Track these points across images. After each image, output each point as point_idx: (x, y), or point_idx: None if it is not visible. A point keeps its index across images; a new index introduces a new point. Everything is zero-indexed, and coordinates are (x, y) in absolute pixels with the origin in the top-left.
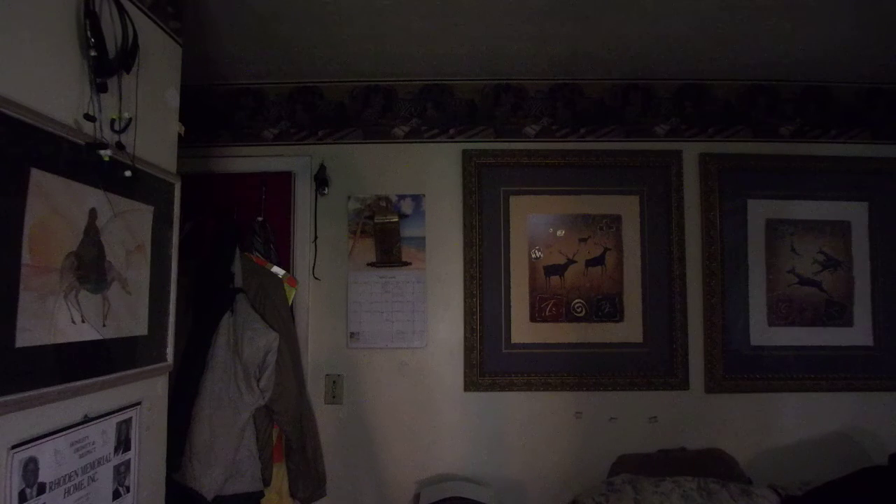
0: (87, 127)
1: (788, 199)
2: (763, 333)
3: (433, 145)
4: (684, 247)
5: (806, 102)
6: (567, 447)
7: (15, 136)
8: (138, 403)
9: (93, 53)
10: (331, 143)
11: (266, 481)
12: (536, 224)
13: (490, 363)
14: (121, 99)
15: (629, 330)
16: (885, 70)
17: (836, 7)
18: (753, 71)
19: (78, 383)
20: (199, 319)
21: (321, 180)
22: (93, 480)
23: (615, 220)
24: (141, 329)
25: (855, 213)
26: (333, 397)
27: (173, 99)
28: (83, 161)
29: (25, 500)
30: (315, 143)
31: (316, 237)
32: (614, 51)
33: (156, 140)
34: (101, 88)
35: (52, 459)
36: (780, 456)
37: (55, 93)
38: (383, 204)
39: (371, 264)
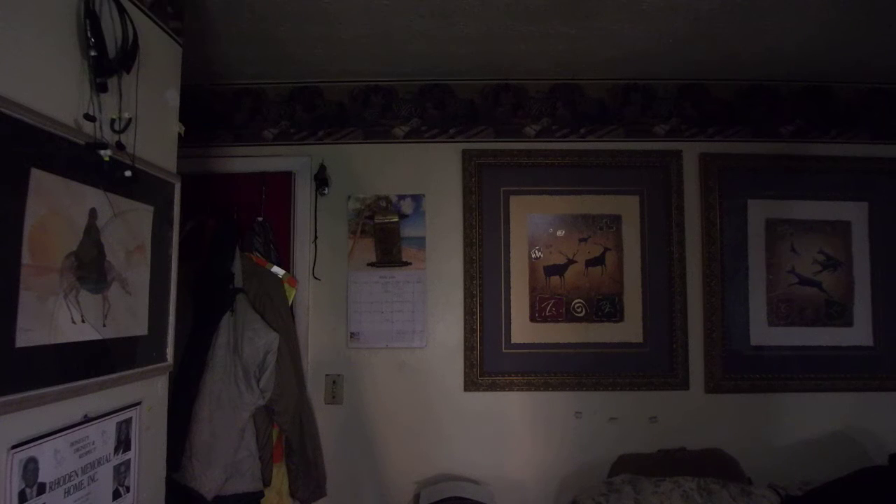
0: (87, 127)
1: (788, 199)
2: (763, 333)
3: (433, 145)
4: (684, 247)
5: (806, 102)
6: (567, 447)
7: (15, 136)
8: (138, 403)
9: (93, 53)
10: (331, 143)
11: (266, 481)
12: (536, 224)
13: (490, 363)
14: (121, 99)
15: (629, 330)
16: (885, 70)
17: (837, 7)
18: (753, 71)
19: (78, 383)
20: (199, 319)
21: (321, 180)
22: (93, 480)
23: (615, 220)
24: (141, 329)
25: (855, 213)
26: (333, 397)
27: (173, 99)
28: (83, 161)
29: (25, 500)
30: (315, 143)
31: (316, 237)
32: (614, 51)
33: (156, 140)
34: (101, 88)
35: (52, 459)
36: (780, 456)
37: (55, 93)
38: (383, 204)
39: (371, 264)
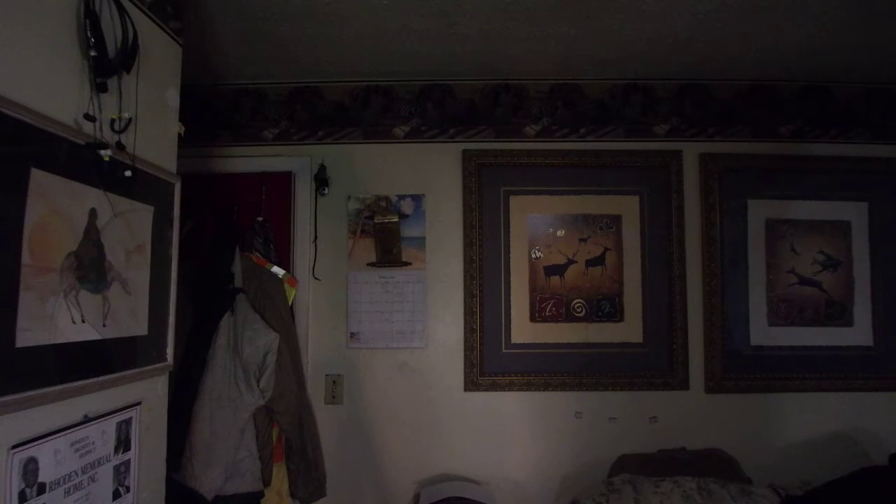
0: (87, 127)
1: (788, 199)
2: (763, 333)
3: (433, 145)
4: (684, 247)
5: (806, 102)
6: (567, 447)
7: (15, 136)
8: (138, 403)
9: (93, 53)
10: (331, 143)
11: (266, 481)
12: (536, 224)
13: (490, 363)
14: (121, 99)
15: (629, 330)
16: (885, 70)
17: (837, 7)
18: (753, 71)
19: (78, 383)
20: (199, 319)
21: (321, 180)
22: (93, 480)
23: (615, 220)
24: (141, 329)
25: (855, 213)
26: (333, 397)
27: (173, 99)
28: (83, 161)
29: (25, 500)
30: (315, 143)
31: (316, 237)
32: (614, 51)
33: (156, 140)
34: (101, 88)
35: (52, 459)
36: (780, 456)
37: (55, 93)
38: (383, 204)
39: (371, 264)
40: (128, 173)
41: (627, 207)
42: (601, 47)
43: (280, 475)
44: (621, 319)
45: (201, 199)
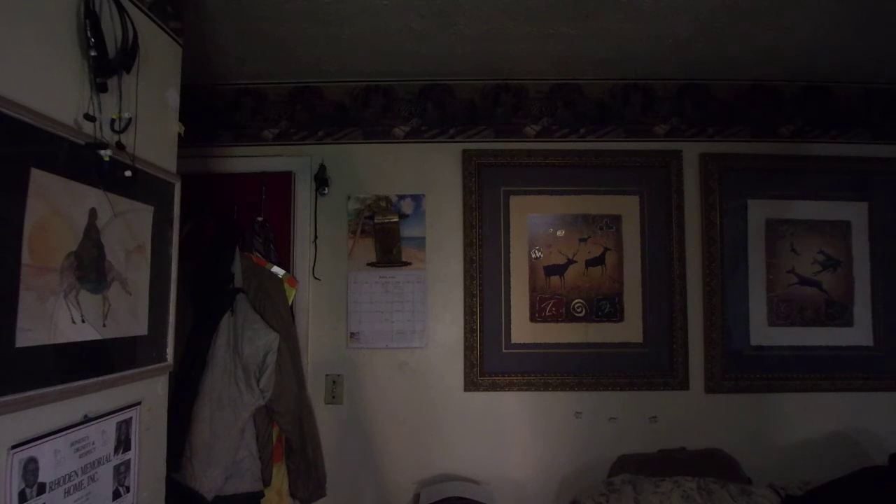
0: (87, 127)
1: (788, 199)
2: (763, 333)
3: (433, 145)
4: (684, 247)
5: (806, 102)
6: (567, 447)
7: (15, 136)
8: (138, 403)
9: (93, 53)
10: (331, 143)
11: (266, 481)
12: (536, 224)
13: (490, 363)
14: (121, 99)
15: (629, 330)
16: (885, 70)
17: (837, 7)
18: (753, 71)
19: (78, 383)
20: (199, 319)
21: (321, 180)
22: (93, 480)
23: (615, 220)
24: (141, 329)
25: (855, 213)
26: (333, 397)
27: (173, 99)
28: (83, 161)
29: (25, 500)
30: (315, 143)
31: (316, 237)
32: (614, 51)
33: (156, 140)
34: (101, 88)
35: (52, 459)
36: (780, 456)
37: (55, 93)
38: (383, 204)
39: (371, 264)
40: (128, 173)
41: (627, 207)
42: (601, 47)
43: (280, 475)
44: (621, 319)
45: (201, 199)
